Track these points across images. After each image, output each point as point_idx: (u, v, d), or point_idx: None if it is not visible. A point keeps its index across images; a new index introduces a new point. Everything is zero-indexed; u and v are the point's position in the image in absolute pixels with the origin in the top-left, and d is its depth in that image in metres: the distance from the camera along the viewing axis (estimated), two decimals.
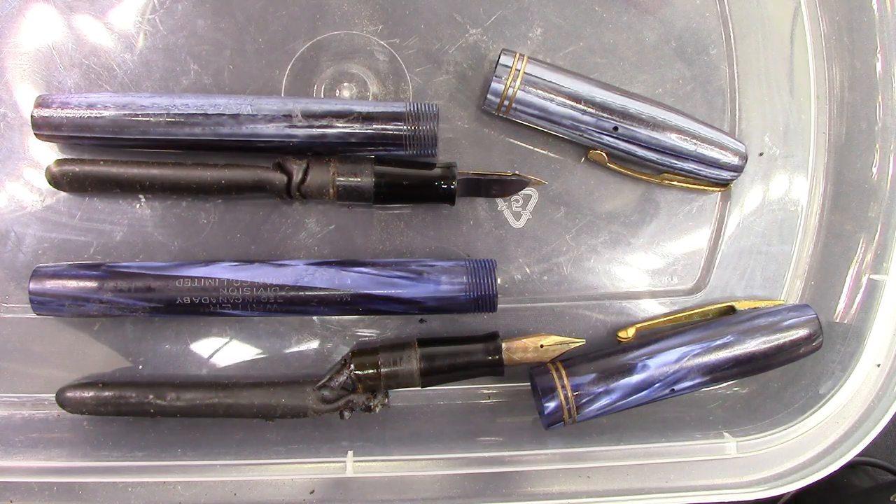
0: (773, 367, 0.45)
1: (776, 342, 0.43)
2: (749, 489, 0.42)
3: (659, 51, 0.47)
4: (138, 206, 0.45)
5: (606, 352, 0.44)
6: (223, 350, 0.46)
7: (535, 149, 0.47)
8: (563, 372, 0.43)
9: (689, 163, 0.45)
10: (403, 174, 0.43)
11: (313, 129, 0.42)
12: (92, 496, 0.40)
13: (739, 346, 0.43)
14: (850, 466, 0.53)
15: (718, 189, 0.47)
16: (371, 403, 0.43)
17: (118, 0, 0.45)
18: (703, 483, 0.42)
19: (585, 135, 0.44)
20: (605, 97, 0.44)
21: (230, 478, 0.41)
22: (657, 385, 0.43)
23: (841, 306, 0.46)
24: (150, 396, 0.43)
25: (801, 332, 0.43)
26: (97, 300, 0.41)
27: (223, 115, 0.42)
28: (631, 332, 0.46)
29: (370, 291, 0.42)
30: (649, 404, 0.44)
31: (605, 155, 0.46)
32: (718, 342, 0.43)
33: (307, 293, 0.42)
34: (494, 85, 0.43)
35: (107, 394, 0.43)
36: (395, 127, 0.42)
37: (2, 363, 0.45)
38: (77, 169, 0.42)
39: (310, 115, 0.42)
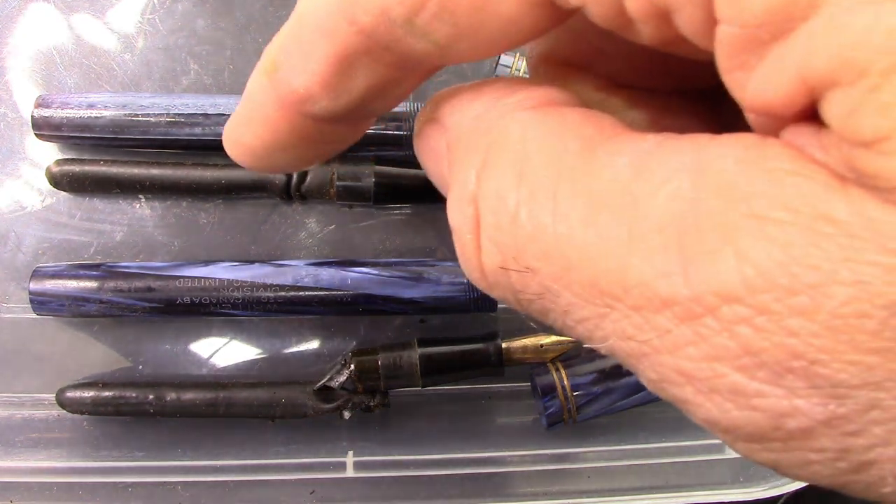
0: None
1: None
2: (749, 489, 0.42)
3: None
4: (138, 206, 0.45)
5: None
6: (223, 350, 0.46)
7: None
8: (563, 372, 0.43)
9: None
10: (403, 174, 0.43)
11: None
12: (92, 496, 0.40)
13: None
14: None
15: None
16: (371, 403, 0.43)
17: (118, 0, 0.45)
18: (703, 483, 0.42)
19: None
20: None
21: (230, 478, 0.41)
22: None
23: None
24: (150, 396, 0.43)
25: None
26: (97, 300, 0.41)
27: (223, 115, 0.42)
28: None
29: (370, 291, 0.42)
30: (649, 404, 0.43)
31: None
32: None
33: (307, 293, 0.42)
34: None
35: (107, 394, 0.43)
36: (395, 127, 0.42)
37: (2, 363, 0.45)
38: (77, 169, 0.42)
39: None
